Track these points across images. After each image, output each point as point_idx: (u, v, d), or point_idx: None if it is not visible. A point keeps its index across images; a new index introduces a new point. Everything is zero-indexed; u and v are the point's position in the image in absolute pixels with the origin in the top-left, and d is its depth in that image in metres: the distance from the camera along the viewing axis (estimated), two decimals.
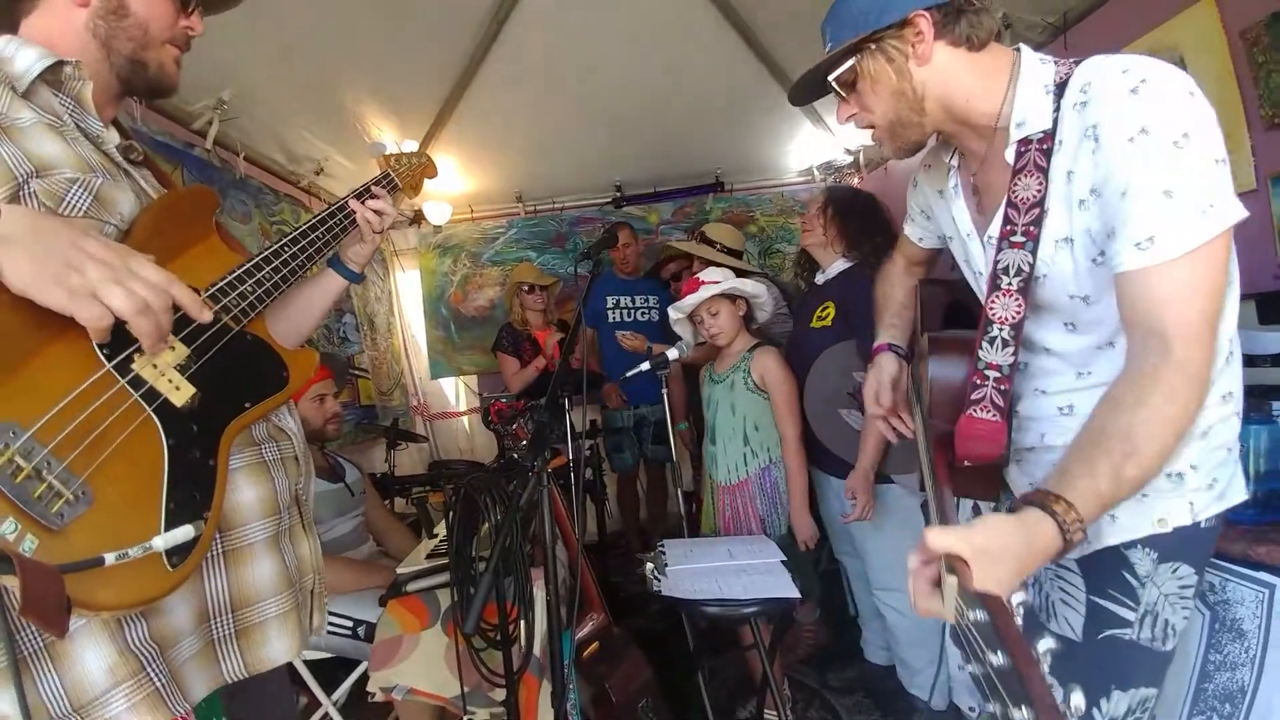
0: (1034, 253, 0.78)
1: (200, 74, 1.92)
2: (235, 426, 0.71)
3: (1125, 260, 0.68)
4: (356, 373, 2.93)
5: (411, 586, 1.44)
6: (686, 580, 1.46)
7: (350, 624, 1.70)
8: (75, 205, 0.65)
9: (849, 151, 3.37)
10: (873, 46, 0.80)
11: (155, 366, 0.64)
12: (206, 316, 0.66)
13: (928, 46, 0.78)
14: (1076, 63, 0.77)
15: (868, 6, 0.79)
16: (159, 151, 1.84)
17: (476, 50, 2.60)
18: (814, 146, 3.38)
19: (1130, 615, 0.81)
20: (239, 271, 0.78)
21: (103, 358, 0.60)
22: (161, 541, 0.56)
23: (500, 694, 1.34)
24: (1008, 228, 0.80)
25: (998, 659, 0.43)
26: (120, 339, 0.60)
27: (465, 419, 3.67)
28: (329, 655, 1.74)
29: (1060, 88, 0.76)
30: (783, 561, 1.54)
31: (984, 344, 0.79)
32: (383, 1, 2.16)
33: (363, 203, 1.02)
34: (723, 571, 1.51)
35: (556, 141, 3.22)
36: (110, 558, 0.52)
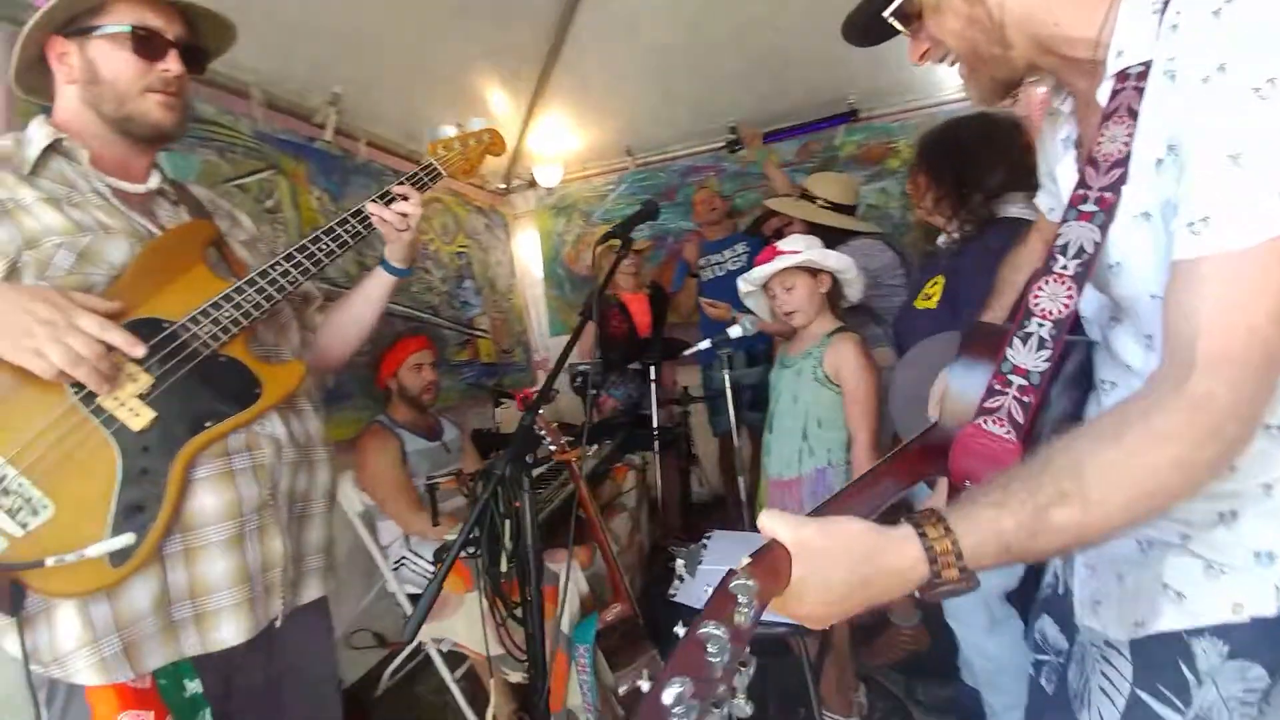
0: (1104, 228, 0.60)
1: (315, 70, 2.14)
2: (195, 444, 0.81)
3: (1177, 246, 0.53)
4: (476, 333, 3.22)
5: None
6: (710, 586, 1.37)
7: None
8: (60, 265, 0.77)
9: None
10: None
11: (117, 398, 0.75)
12: (138, 352, 0.76)
13: None
14: None
15: None
16: (284, 150, 2.11)
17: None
18: None
19: (1174, 718, 0.65)
20: (217, 298, 0.87)
21: (71, 393, 0.73)
22: (94, 550, 0.68)
23: None
24: (1080, 192, 0.63)
25: None
26: None
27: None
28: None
29: (1166, 3, 0.57)
30: None
31: (1015, 341, 0.65)
32: None
33: (387, 205, 1.07)
34: None
35: (663, 87, 3.01)
36: (50, 561, 0.66)
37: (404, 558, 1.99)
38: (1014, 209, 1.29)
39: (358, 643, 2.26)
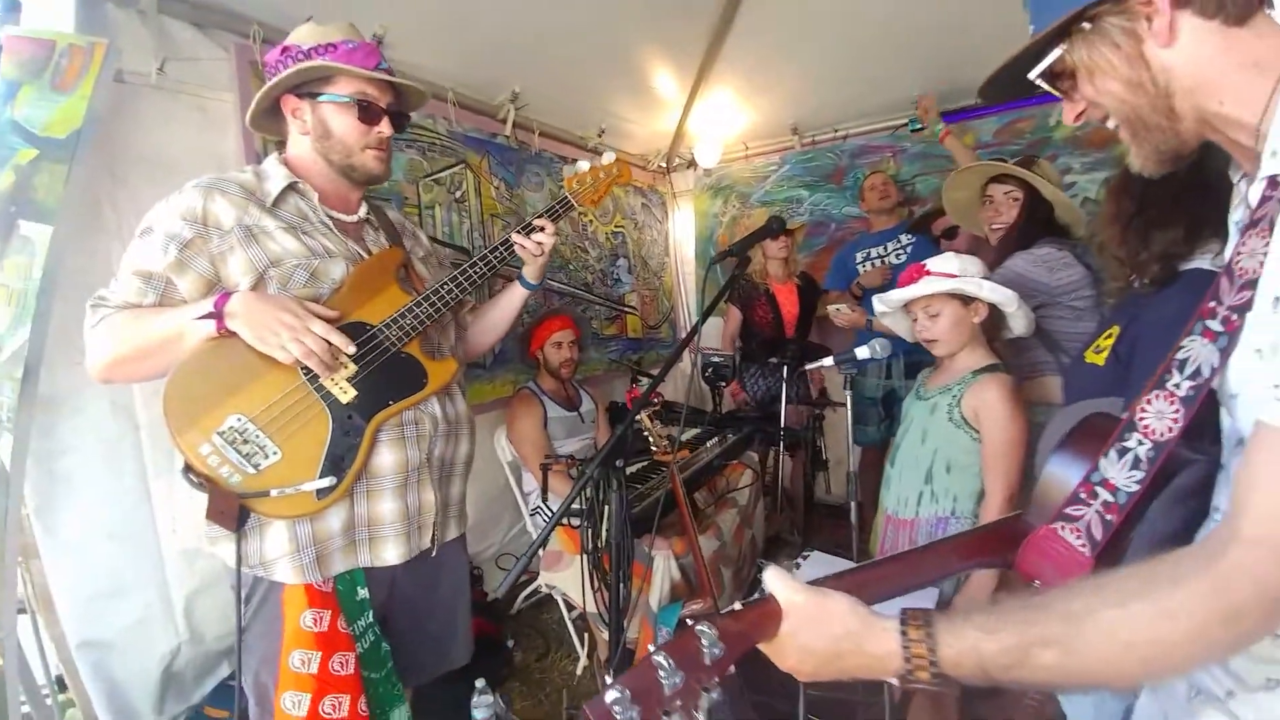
0: (1225, 353, 0.54)
1: (498, 70, 2.37)
2: (381, 416, 1.07)
3: (1264, 403, 0.48)
4: (626, 309, 3.44)
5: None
6: None
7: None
8: (297, 281, 1.05)
9: None
10: (1087, 26, 0.60)
11: (333, 380, 1.03)
12: (350, 349, 1.02)
13: (1166, 19, 0.56)
14: None
15: None
16: (470, 146, 2.44)
17: None
18: None
19: None
20: (403, 309, 1.12)
21: (302, 374, 1.02)
22: (308, 486, 0.97)
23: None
24: (1211, 305, 0.57)
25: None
26: None
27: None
28: None
29: None
30: None
31: (1110, 452, 0.60)
32: None
33: (528, 235, 1.29)
34: None
35: (838, 55, 2.77)
36: (274, 492, 0.95)
37: (538, 508, 2.31)
38: (1211, 261, 1.03)
39: (504, 565, 2.71)
